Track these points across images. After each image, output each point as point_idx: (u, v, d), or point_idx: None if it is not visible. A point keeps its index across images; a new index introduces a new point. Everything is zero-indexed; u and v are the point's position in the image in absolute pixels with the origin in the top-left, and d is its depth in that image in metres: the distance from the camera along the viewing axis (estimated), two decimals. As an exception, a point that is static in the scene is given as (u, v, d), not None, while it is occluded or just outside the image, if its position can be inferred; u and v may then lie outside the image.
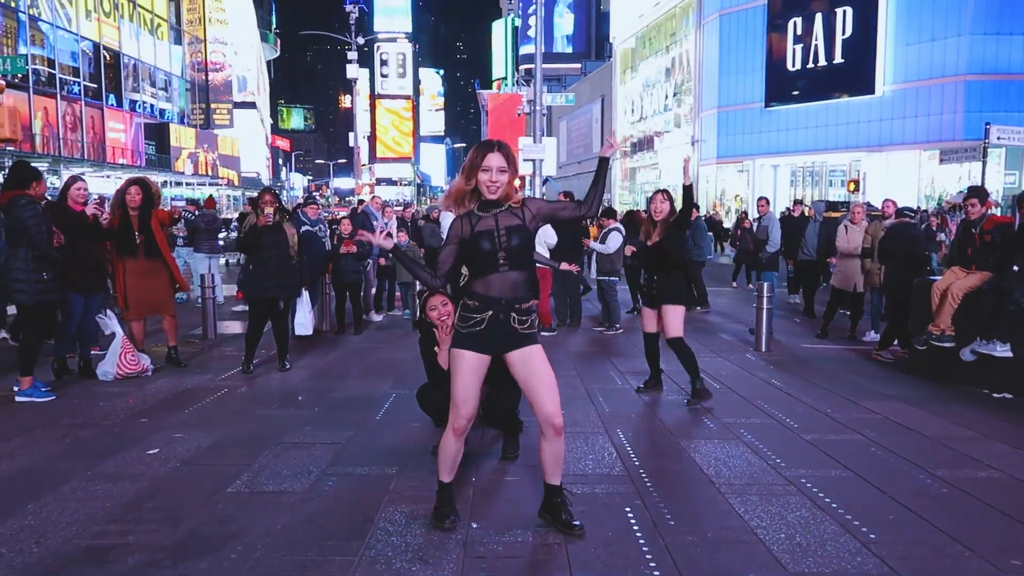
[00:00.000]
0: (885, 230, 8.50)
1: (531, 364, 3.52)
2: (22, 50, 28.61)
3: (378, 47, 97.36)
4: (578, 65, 62.69)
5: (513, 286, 3.49)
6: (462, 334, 3.53)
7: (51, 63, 31.30)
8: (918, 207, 18.18)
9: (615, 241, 9.73)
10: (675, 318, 6.17)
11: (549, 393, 3.54)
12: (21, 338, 6.37)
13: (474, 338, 3.50)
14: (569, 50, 65.23)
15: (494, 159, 3.40)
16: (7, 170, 7.14)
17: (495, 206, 3.48)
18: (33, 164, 7.21)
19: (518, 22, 69.00)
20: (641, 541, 3.56)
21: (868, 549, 3.48)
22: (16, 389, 6.16)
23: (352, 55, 37.53)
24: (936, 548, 3.50)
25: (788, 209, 14.22)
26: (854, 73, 29.80)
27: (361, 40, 39.99)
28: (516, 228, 3.46)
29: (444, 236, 3.70)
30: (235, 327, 9.79)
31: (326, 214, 12.78)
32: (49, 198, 7.20)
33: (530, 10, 57.13)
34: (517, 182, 3.58)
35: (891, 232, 8.28)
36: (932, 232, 12.63)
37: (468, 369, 3.51)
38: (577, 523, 3.62)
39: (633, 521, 3.79)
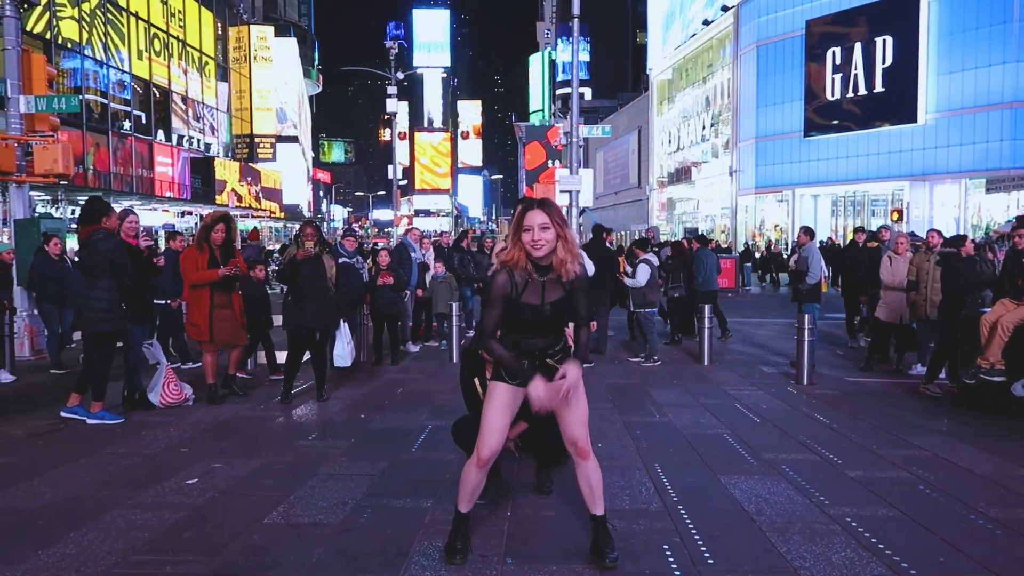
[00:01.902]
0: (937, 261, 8.29)
1: (576, 392, 3.51)
2: (76, 89, 29.73)
3: (417, 82, 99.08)
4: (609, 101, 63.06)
5: (549, 342, 3.55)
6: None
7: (103, 101, 32.43)
8: (976, 239, 17.42)
9: (643, 274, 9.66)
10: None
11: (576, 418, 3.53)
12: (91, 365, 6.58)
13: (503, 371, 3.55)
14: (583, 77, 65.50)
15: (536, 217, 3.35)
16: (80, 207, 7.71)
17: (545, 271, 3.43)
18: (84, 198, 7.50)
19: (554, 55, 69.65)
20: (679, 580, 3.47)
21: (917, 593, 3.35)
22: (78, 414, 6.41)
23: (392, 89, 38.21)
24: (990, 593, 3.36)
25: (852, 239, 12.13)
26: (896, 101, 29.47)
27: (400, 75, 40.72)
28: (559, 301, 3.47)
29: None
30: (276, 357, 9.89)
31: (366, 244, 12.92)
32: None
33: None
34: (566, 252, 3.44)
35: (939, 264, 8.11)
36: (987, 264, 10.95)
37: (501, 401, 3.51)
38: (612, 556, 3.55)
39: (671, 559, 3.70)
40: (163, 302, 9.21)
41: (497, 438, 3.54)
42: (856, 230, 11.82)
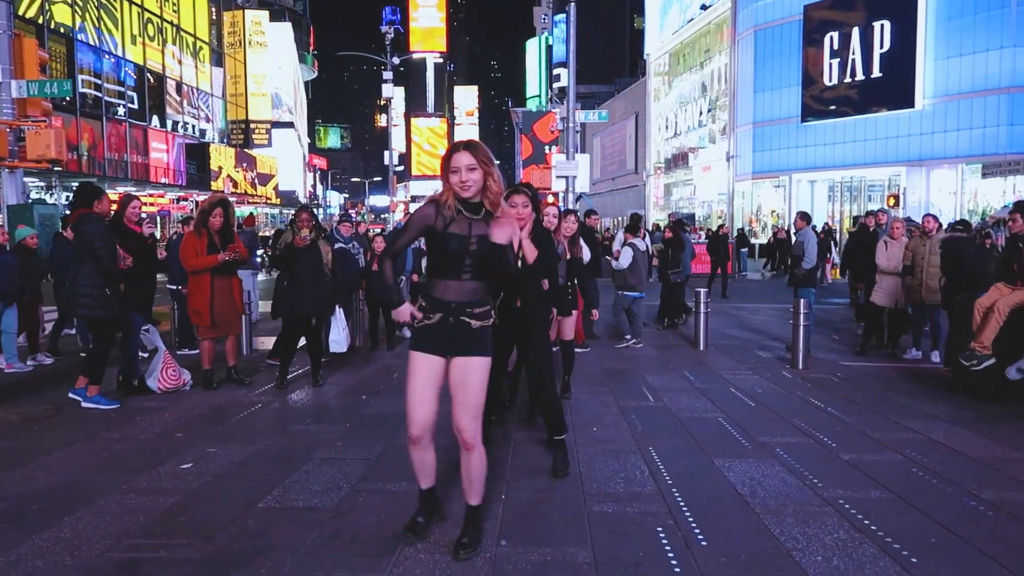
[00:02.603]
0: (941, 244, 8.27)
1: (467, 374, 3.45)
2: (69, 74, 29.52)
3: (413, 67, 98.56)
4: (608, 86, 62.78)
5: (470, 292, 3.46)
6: (416, 334, 3.51)
7: (97, 86, 32.21)
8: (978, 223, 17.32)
9: (626, 257, 9.73)
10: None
11: (467, 407, 3.44)
12: (90, 349, 6.59)
13: (426, 338, 3.48)
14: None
15: (463, 159, 3.37)
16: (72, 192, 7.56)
17: (474, 211, 3.43)
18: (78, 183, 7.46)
19: (551, 41, 69.25)
20: (673, 562, 3.49)
21: (908, 573, 3.37)
22: (82, 397, 6.41)
23: (387, 75, 38.02)
24: (979, 574, 3.38)
25: (859, 221, 12.00)
26: (893, 87, 29.37)
27: (396, 60, 40.52)
28: (486, 239, 3.41)
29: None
30: (270, 343, 9.90)
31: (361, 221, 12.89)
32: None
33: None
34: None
35: (943, 248, 8.09)
36: (987, 250, 10.17)
37: (417, 370, 3.48)
38: (463, 552, 3.48)
39: (665, 541, 3.72)
40: (175, 287, 9.20)
41: (422, 411, 3.46)
42: (867, 214, 11.67)
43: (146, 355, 7.31)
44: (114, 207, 6.87)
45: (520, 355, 4.85)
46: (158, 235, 15.58)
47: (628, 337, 9.88)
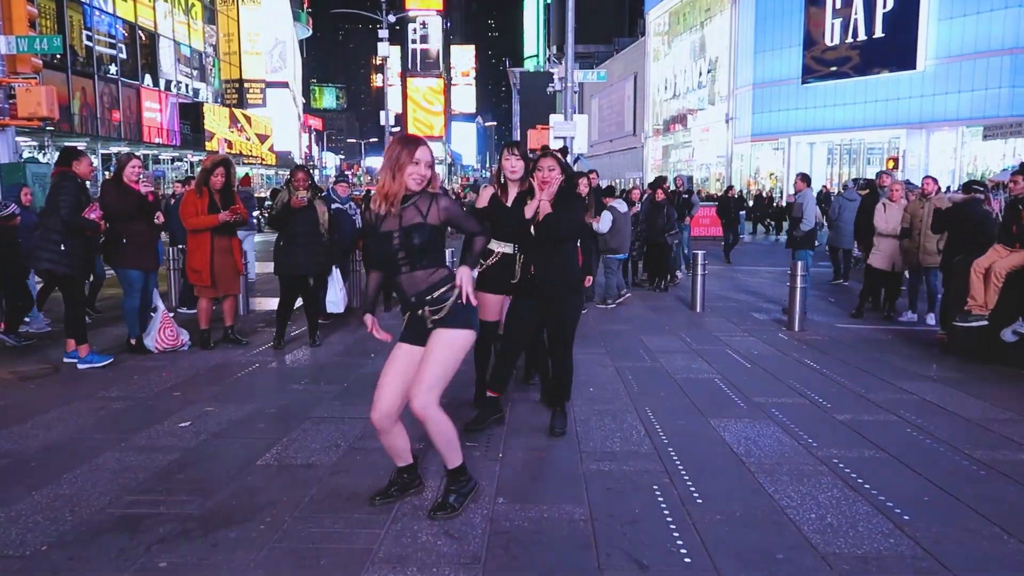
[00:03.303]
0: (953, 205, 8.14)
1: (431, 344, 3.43)
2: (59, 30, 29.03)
3: (409, 24, 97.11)
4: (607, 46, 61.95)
5: (420, 281, 3.41)
6: (404, 322, 3.57)
7: (88, 44, 31.72)
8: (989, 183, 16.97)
9: (606, 221, 9.65)
10: None
11: (422, 374, 3.38)
12: (64, 310, 6.58)
13: (407, 328, 3.55)
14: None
15: (425, 153, 3.35)
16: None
17: (404, 200, 3.37)
18: (72, 143, 7.39)
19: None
20: (669, 519, 3.52)
21: (901, 531, 3.41)
22: (76, 359, 6.42)
23: (383, 33, 37.43)
24: (972, 531, 3.42)
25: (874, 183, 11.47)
26: (895, 47, 29.07)
27: (392, 18, 39.88)
28: (416, 227, 3.35)
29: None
30: (267, 303, 9.90)
31: (357, 192, 12.82)
32: (108, 174, 7.39)
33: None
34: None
35: (958, 209, 7.95)
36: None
37: (391, 358, 3.53)
38: (443, 512, 3.51)
39: (661, 499, 3.75)
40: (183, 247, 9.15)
41: (384, 397, 3.44)
42: (879, 174, 11.48)
43: (153, 314, 7.26)
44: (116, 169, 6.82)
45: (543, 318, 4.76)
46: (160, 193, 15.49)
47: (625, 292, 10.08)
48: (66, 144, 6.63)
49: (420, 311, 3.45)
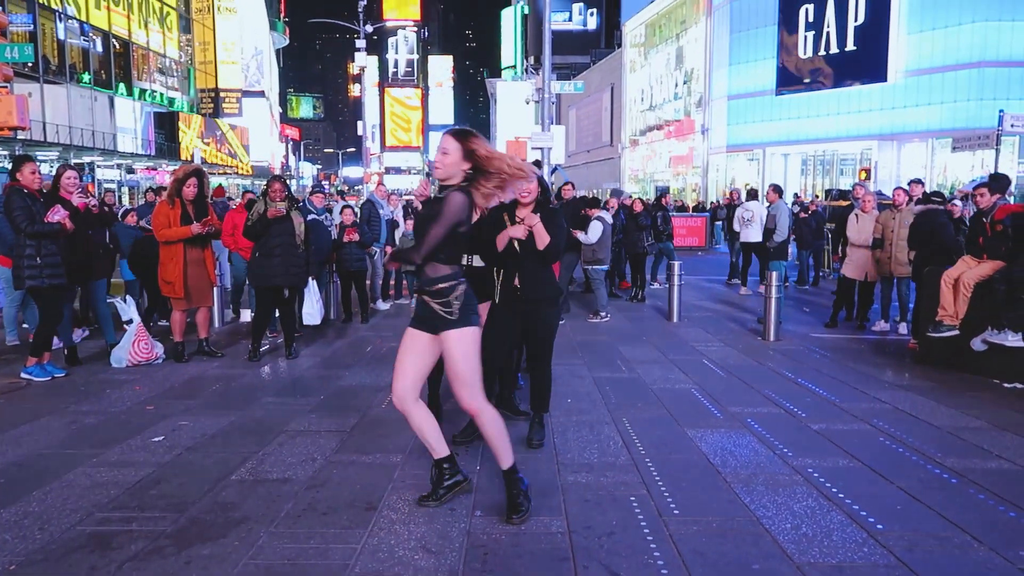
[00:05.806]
0: (914, 216, 8.30)
1: (446, 347, 3.59)
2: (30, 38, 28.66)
3: (387, 35, 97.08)
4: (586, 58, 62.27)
5: (425, 270, 3.59)
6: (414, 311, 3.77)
7: (60, 52, 31.34)
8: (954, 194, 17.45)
9: (595, 231, 9.64)
10: None
11: (455, 377, 3.58)
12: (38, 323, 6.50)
13: (416, 316, 3.72)
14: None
15: (440, 141, 3.58)
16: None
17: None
18: (44, 154, 7.27)
19: (527, 10, 68.46)
20: (646, 531, 3.53)
21: (875, 540, 3.44)
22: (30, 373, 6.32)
23: (361, 43, 37.40)
24: (943, 539, 3.46)
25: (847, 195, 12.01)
26: (867, 60, 29.53)
27: (370, 28, 39.85)
28: (426, 217, 3.58)
29: None
30: (243, 315, 9.80)
31: (332, 202, 12.71)
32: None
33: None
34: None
35: (918, 219, 8.13)
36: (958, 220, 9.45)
37: (403, 345, 3.70)
38: (517, 516, 3.60)
39: (638, 511, 3.76)
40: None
41: (399, 381, 3.66)
42: (855, 186, 11.68)
43: (127, 324, 7.16)
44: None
45: (525, 331, 4.76)
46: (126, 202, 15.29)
47: (603, 314, 9.85)
48: (34, 153, 6.52)
49: (426, 298, 3.62)
